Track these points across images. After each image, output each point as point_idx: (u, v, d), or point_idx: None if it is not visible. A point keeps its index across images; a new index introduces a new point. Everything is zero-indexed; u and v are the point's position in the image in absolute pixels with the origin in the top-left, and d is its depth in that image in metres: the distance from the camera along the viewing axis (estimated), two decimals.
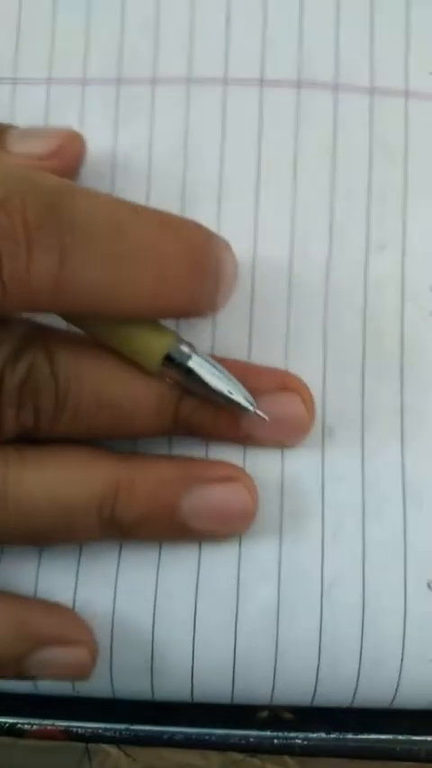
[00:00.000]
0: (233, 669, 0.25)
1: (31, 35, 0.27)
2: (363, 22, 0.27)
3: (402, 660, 0.25)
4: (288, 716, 0.27)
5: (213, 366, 0.23)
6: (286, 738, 0.27)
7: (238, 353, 0.25)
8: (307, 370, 0.25)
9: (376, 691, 0.25)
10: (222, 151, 0.26)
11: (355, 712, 0.27)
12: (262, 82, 0.26)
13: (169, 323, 0.24)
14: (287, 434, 0.25)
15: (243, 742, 0.27)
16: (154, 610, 0.25)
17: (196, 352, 0.23)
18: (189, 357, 0.23)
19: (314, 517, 0.25)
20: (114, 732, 0.27)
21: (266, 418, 0.24)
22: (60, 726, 0.27)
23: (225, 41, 0.27)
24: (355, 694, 0.25)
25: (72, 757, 0.27)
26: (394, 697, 0.25)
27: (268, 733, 0.27)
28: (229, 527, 0.25)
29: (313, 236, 0.26)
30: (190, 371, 0.23)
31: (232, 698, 0.25)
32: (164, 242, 0.22)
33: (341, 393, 0.25)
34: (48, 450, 0.24)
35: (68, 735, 0.27)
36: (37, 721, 0.27)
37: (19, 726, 0.27)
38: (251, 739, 0.27)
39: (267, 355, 0.25)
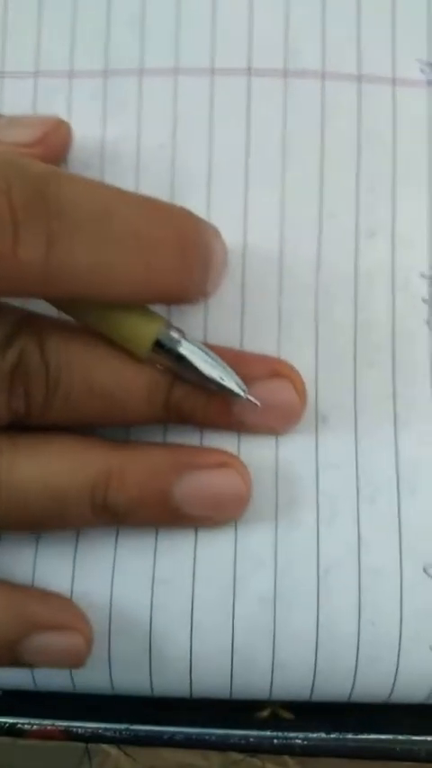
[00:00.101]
0: (231, 657, 0.25)
1: (17, 29, 0.27)
2: (349, 9, 0.27)
3: (400, 646, 0.25)
4: (288, 716, 0.27)
5: (204, 352, 0.23)
6: (286, 738, 0.27)
7: (230, 341, 0.25)
8: (299, 358, 0.25)
9: (374, 677, 0.25)
10: (211, 141, 0.26)
11: (355, 712, 0.26)
12: (249, 71, 0.26)
13: (161, 310, 0.24)
14: (279, 421, 0.25)
15: (243, 742, 0.27)
16: (151, 599, 0.25)
17: (187, 339, 0.23)
18: (179, 343, 0.23)
19: (309, 504, 0.25)
20: (114, 732, 0.27)
21: (258, 404, 0.24)
22: (60, 726, 0.27)
23: (211, 31, 0.27)
24: (353, 682, 0.25)
25: (72, 757, 0.26)
26: (393, 687, 0.25)
27: (268, 733, 0.27)
28: (222, 513, 0.25)
29: (303, 225, 0.26)
30: (180, 357, 0.23)
31: (231, 690, 0.25)
32: (152, 227, 0.22)
33: (334, 380, 0.25)
34: (40, 437, 0.24)
35: (68, 735, 0.27)
36: (37, 721, 0.27)
37: (19, 726, 0.27)
38: (251, 739, 0.27)
39: (259, 343, 0.25)
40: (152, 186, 0.26)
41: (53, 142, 0.26)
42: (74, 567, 0.25)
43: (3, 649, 0.24)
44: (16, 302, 0.24)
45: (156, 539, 0.25)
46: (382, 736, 0.26)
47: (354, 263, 0.26)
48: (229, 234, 0.25)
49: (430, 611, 0.25)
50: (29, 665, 0.24)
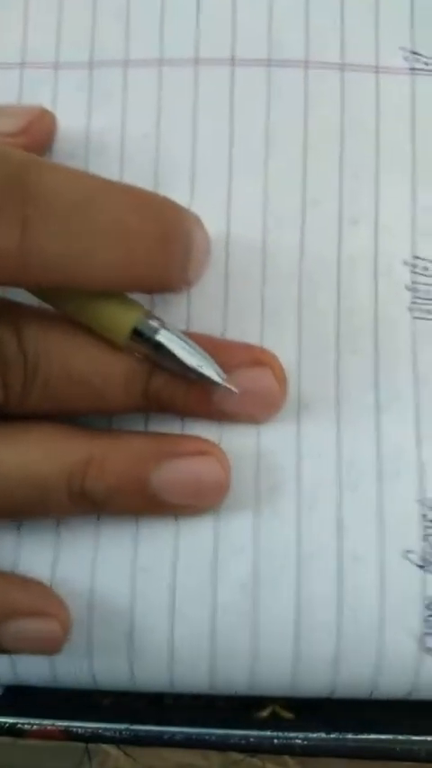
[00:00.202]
0: (211, 644, 0.25)
1: (3, 20, 0.27)
2: None
3: (380, 632, 0.25)
4: (288, 716, 0.27)
5: (183, 340, 0.23)
6: (286, 738, 0.26)
7: (213, 330, 0.25)
8: (282, 346, 0.25)
9: (356, 665, 0.25)
10: (195, 130, 0.26)
11: (355, 712, 0.26)
12: (233, 61, 0.27)
13: (144, 300, 0.25)
14: (259, 409, 0.25)
15: (243, 742, 0.27)
16: (132, 586, 0.25)
17: (165, 327, 0.23)
18: (157, 331, 0.23)
19: (290, 492, 0.25)
20: (114, 732, 0.27)
21: (236, 391, 0.24)
22: (60, 726, 0.27)
23: (195, 22, 0.27)
24: (335, 670, 0.25)
25: (72, 757, 0.27)
26: (375, 676, 0.25)
27: (268, 733, 0.27)
28: (202, 500, 0.25)
29: (286, 213, 0.26)
30: (159, 345, 0.23)
31: (211, 680, 0.25)
32: (131, 216, 0.22)
33: (316, 368, 0.25)
34: (19, 426, 0.24)
35: (68, 735, 0.27)
36: (37, 721, 0.27)
37: (19, 726, 0.27)
38: (251, 739, 0.27)
39: (242, 332, 0.25)
40: (136, 176, 0.26)
41: (37, 131, 0.26)
42: (55, 554, 0.25)
43: None
44: None
45: (137, 526, 0.25)
46: (382, 736, 0.26)
47: (337, 251, 0.26)
48: (213, 222, 0.25)
49: (411, 596, 0.25)
50: (6, 650, 0.24)
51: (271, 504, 0.25)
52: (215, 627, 0.25)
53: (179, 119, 0.26)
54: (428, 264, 0.26)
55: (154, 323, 0.23)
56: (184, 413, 0.25)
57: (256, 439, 0.25)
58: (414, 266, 0.26)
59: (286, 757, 0.26)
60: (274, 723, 0.27)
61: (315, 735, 0.26)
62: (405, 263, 0.26)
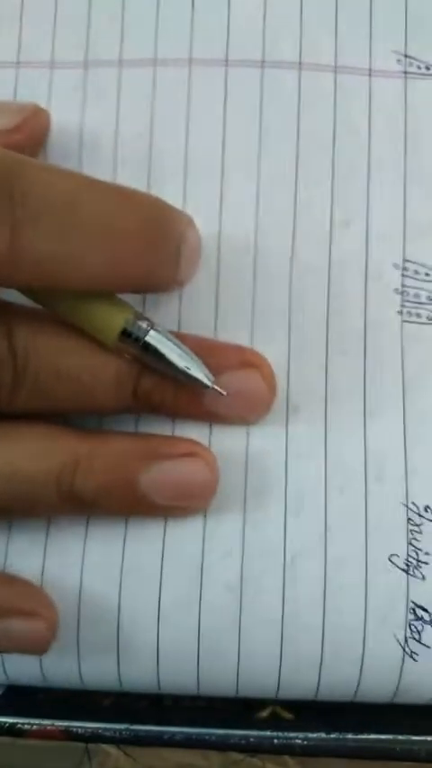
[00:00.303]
0: (198, 645, 0.25)
1: None
2: (327, 1, 0.27)
3: (365, 635, 0.25)
4: (288, 716, 0.27)
5: (172, 342, 0.23)
6: (286, 738, 0.26)
7: (204, 329, 0.26)
8: (272, 347, 0.25)
9: (340, 667, 0.25)
10: (188, 131, 0.26)
11: (355, 712, 0.26)
12: (227, 62, 0.27)
13: (135, 300, 0.25)
14: (248, 410, 0.25)
15: (243, 742, 0.27)
16: (120, 587, 0.25)
17: (155, 328, 0.23)
18: (146, 332, 0.23)
19: (277, 494, 0.25)
20: (114, 732, 0.27)
21: (224, 393, 0.24)
22: (60, 726, 0.27)
23: (190, 23, 0.27)
24: (319, 672, 0.25)
25: (72, 757, 0.27)
26: (359, 679, 0.25)
27: (268, 733, 0.27)
28: (190, 502, 0.25)
29: (278, 214, 0.26)
30: (147, 347, 0.23)
31: (198, 682, 0.25)
32: (119, 215, 0.22)
33: (305, 370, 0.25)
34: (8, 424, 0.24)
35: (68, 735, 0.27)
36: (37, 721, 0.27)
37: (19, 726, 0.27)
38: (251, 739, 0.27)
39: (233, 333, 0.26)
40: (130, 175, 0.26)
41: (31, 129, 0.26)
42: (44, 554, 0.25)
43: None
44: None
45: (125, 528, 0.25)
46: (382, 736, 0.26)
47: (328, 253, 0.26)
48: (205, 223, 0.25)
49: (395, 600, 0.25)
50: None
51: (258, 507, 0.25)
52: (201, 629, 0.25)
53: (173, 119, 0.27)
54: (419, 268, 0.26)
55: (143, 324, 0.23)
56: (174, 414, 0.25)
57: (245, 440, 0.25)
58: (404, 269, 0.26)
59: (286, 757, 0.26)
60: (274, 723, 0.27)
61: (315, 735, 0.26)
62: (395, 266, 0.26)
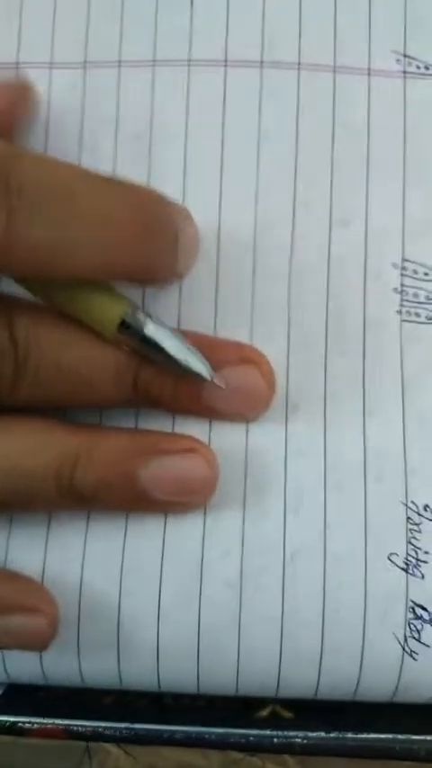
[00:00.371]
0: (198, 643, 0.25)
1: None
2: (326, 0, 0.27)
3: (364, 633, 0.25)
4: (288, 715, 0.27)
5: (170, 334, 0.24)
6: (286, 737, 0.26)
7: (204, 326, 0.26)
8: (271, 346, 0.25)
9: (340, 665, 0.25)
10: (187, 131, 0.27)
11: (355, 712, 0.26)
12: (226, 62, 0.27)
13: (136, 296, 0.25)
14: (247, 407, 0.25)
15: (243, 741, 0.27)
16: (120, 584, 0.25)
17: (153, 321, 0.24)
18: (145, 324, 0.23)
19: (277, 491, 0.25)
20: (115, 731, 0.27)
21: (223, 386, 0.24)
22: (61, 725, 0.27)
23: (189, 24, 0.27)
24: (319, 670, 0.25)
25: (73, 756, 0.27)
26: (359, 677, 0.25)
27: (268, 732, 0.27)
28: (189, 498, 0.25)
29: (277, 214, 0.26)
30: (146, 338, 0.23)
31: (198, 680, 0.25)
32: (116, 205, 0.23)
33: (305, 368, 0.26)
34: (9, 418, 0.24)
35: (69, 734, 0.27)
36: (38, 720, 0.27)
37: (20, 725, 0.27)
38: (251, 738, 0.27)
39: (232, 331, 0.26)
40: (129, 176, 0.26)
41: (18, 109, 0.26)
42: (45, 551, 0.25)
43: None
44: None
45: (125, 525, 0.25)
46: (382, 736, 0.26)
47: (327, 253, 0.26)
48: (204, 222, 0.25)
49: (394, 599, 0.25)
50: None
51: (258, 504, 0.25)
52: (201, 626, 0.25)
53: (172, 119, 0.27)
54: (417, 267, 0.26)
55: (141, 316, 0.24)
56: (174, 408, 0.25)
57: (245, 438, 0.25)
58: (403, 269, 0.26)
59: (286, 756, 0.26)
60: (274, 722, 0.27)
61: (315, 734, 0.26)
62: (394, 265, 0.26)
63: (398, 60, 0.27)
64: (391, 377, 0.26)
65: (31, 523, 0.26)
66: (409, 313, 0.26)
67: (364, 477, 0.25)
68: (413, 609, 0.25)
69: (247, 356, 0.25)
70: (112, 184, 0.23)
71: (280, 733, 0.27)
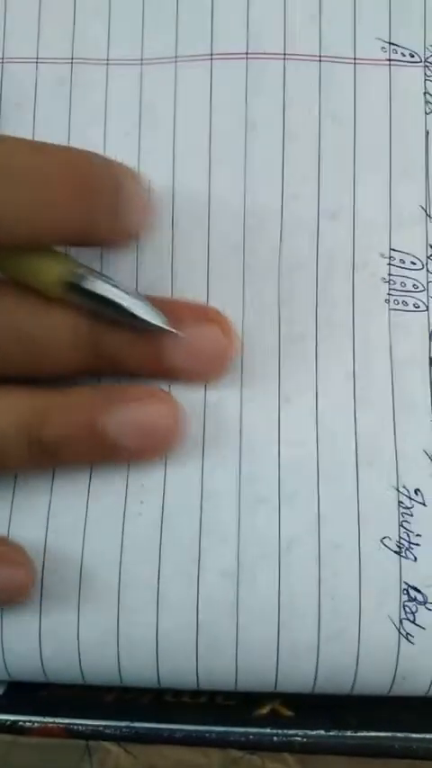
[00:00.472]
0: (196, 634, 0.25)
1: None
2: None
3: (360, 619, 0.25)
4: (287, 713, 0.27)
5: (116, 287, 0.24)
6: (286, 736, 0.26)
7: None
8: (263, 338, 0.26)
9: (337, 653, 0.25)
10: (175, 126, 0.27)
11: (355, 710, 0.26)
12: (212, 56, 0.27)
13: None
14: (209, 365, 0.25)
15: (243, 739, 0.26)
16: (118, 578, 0.25)
17: (98, 276, 0.24)
18: (89, 280, 0.24)
19: (271, 481, 0.25)
20: (115, 729, 0.27)
21: (177, 333, 0.24)
22: (61, 723, 0.27)
23: (175, 19, 0.27)
24: (317, 660, 0.25)
25: (73, 755, 0.27)
26: (357, 665, 0.25)
27: (268, 730, 0.26)
28: (154, 443, 0.25)
29: (267, 207, 0.26)
30: (91, 294, 0.24)
31: (198, 674, 0.25)
32: (45, 165, 0.23)
33: (296, 361, 0.26)
34: None
35: (69, 732, 0.27)
36: (38, 719, 0.27)
37: (20, 723, 0.27)
38: (251, 736, 0.26)
39: None
40: None
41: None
42: (45, 544, 0.26)
43: None
44: None
45: (123, 516, 0.26)
46: (381, 734, 0.26)
47: (315, 244, 0.26)
48: (193, 217, 0.26)
49: (388, 582, 0.25)
50: None
51: (253, 494, 0.25)
52: (199, 616, 0.25)
53: (160, 114, 0.27)
54: (404, 257, 0.26)
55: (86, 273, 0.24)
56: (135, 370, 0.25)
57: (238, 427, 0.26)
58: (391, 258, 0.26)
59: (286, 755, 0.26)
60: (274, 721, 0.27)
61: (314, 732, 0.26)
62: (382, 255, 0.26)
63: (383, 48, 0.26)
64: (381, 364, 0.26)
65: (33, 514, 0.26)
66: (396, 302, 0.26)
67: (356, 463, 0.25)
68: (407, 591, 0.25)
69: (206, 314, 0.25)
70: (47, 148, 0.23)
71: (280, 731, 0.26)
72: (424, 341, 0.26)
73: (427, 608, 0.25)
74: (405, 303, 0.26)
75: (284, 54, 0.27)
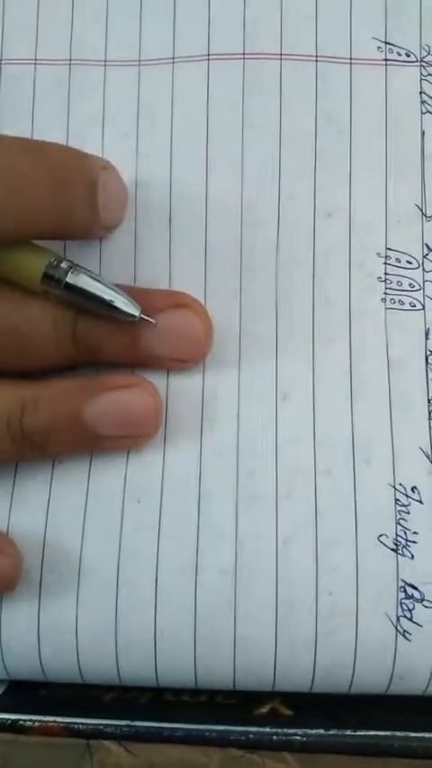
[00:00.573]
0: (194, 632, 0.25)
1: None
2: None
3: (357, 615, 0.25)
4: (287, 712, 0.27)
5: (94, 279, 0.24)
6: (285, 735, 0.26)
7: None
8: (261, 337, 0.26)
9: (335, 650, 0.25)
10: (173, 126, 0.27)
11: (354, 709, 0.26)
12: (209, 57, 0.27)
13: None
14: (185, 350, 0.25)
15: (243, 738, 0.26)
16: (117, 576, 0.26)
17: (77, 269, 0.24)
18: (66, 272, 0.24)
19: (268, 477, 0.25)
20: (115, 728, 0.27)
21: (153, 322, 0.24)
22: (62, 722, 0.27)
23: (173, 20, 0.27)
24: (314, 657, 0.25)
25: (73, 754, 0.27)
26: (354, 662, 0.25)
27: (267, 729, 0.26)
28: (135, 430, 0.25)
29: (262, 206, 0.26)
30: (70, 286, 0.24)
31: (196, 673, 0.25)
32: (21, 161, 0.23)
33: (293, 358, 0.26)
34: None
35: (70, 731, 0.27)
36: (38, 718, 0.27)
37: (21, 722, 0.27)
38: (251, 735, 0.26)
39: (221, 321, 0.26)
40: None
41: None
42: (44, 542, 0.26)
43: None
44: None
45: (121, 515, 0.26)
46: (381, 733, 0.26)
47: (312, 244, 0.26)
48: (192, 219, 0.26)
49: (385, 579, 0.25)
50: None
51: (250, 491, 0.26)
52: (197, 614, 0.25)
53: (158, 114, 0.27)
54: (400, 256, 0.26)
55: (65, 265, 0.24)
56: (113, 359, 0.26)
57: (236, 425, 0.26)
58: (387, 257, 0.26)
59: (285, 753, 0.26)
60: (274, 720, 0.27)
61: (314, 731, 0.26)
62: (378, 254, 0.26)
63: (379, 48, 0.27)
64: (377, 363, 0.26)
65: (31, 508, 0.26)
66: (393, 301, 0.26)
67: (353, 461, 0.25)
68: (404, 589, 0.25)
69: (180, 300, 0.25)
70: (21, 143, 0.24)
71: (279, 730, 0.27)
72: (420, 339, 0.26)
73: (424, 605, 0.25)
74: (401, 302, 0.26)
75: (281, 54, 0.27)
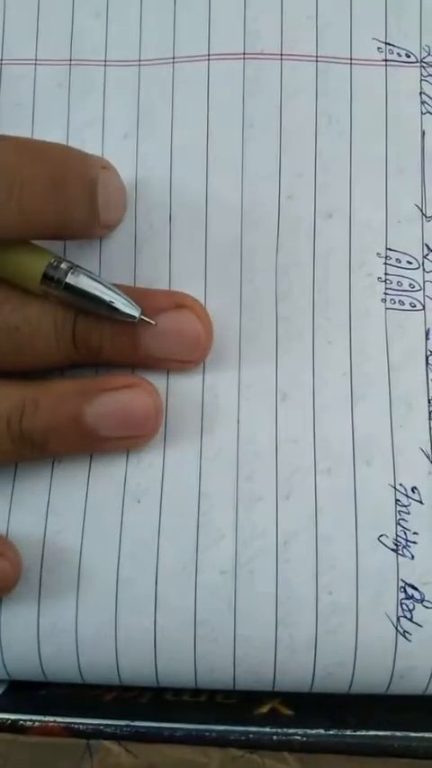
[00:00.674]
0: (194, 631, 0.25)
1: None
2: None
3: (357, 614, 0.25)
4: (287, 712, 0.27)
5: (93, 279, 0.24)
6: (285, 735, 0.26)
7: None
8: (261, 338, 0.26)
9: (335, 650, 0.25)
10: (173, 126, 0.27)
11: (354, 709, 0.26)
12: (209, 57, 0.27)
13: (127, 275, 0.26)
14: (185, 351, 0.25)
15: (243, 738, 0.26)
16: (117, 575, 0.26)
17: (76, 269, 0.24)
18: (67, 273, 0.24)
19: (268, 478, 0.26)
20: (115, 729, 0.27)
21: (153, 323, 0.24)
22: (62, 722, 0.27)
23: (173, 20, 0.27)
24: (315, 657, 0.25)
25: (73, 754, 0.27)
26: (354, 662, 0.25)
27: (268, 729, 0.26)
28: (135, 431, 0.25)
29: (262, 206, 0.26)
30: (70, 287, 0.24)
31: (196, 672, 0.25)
32: (21, 160, 0.23)
33: (294, 359, 0.26)
34: None
35: (69, 731, 0.27)
36: (38, 718, 0.27)
37: (21, 722, 0.27)
38: (251, 735, 0.26)
39: (223, 323, 0.26)
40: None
41: None
42: (44, 540, 0.26)
43: None
44: None
45: (121, 516, 0.26)
46: (381, 733, 0.26)
47: (312, 244, 0.26)
48: (192, 219, 0.26)
49: (385, 580, 0.25)
50: None
51: (250, 491, 0.26)
52: (197, 614, 0.25)
53: (158, 116, 0.27)
54: (401, 256, 0.26)
55: (65, 266, 0.24)
56: (113, 359, 0.26)
57: (236, 427, 0.26)
58: (387, 258, 0.26)
59: (285, 753, 0.26)
60: (274, 719, 0.27)
61: (314, 731, 0.26)
62: (378, 255, 0.26)
63: (379, 49, 0.27)
64: (377, 363, 0.26)
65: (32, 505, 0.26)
66: (393, 301, 0.26)
67: (354, 461, 0.26)
68: (404, 589, 0.25)
69: (181, 301, 0.25)
70: (21, 143, 0.24)
71: (279, 730, 0.27)
72: (420, 340, 0.26)
73: (424, 606, 0.25)
74: (402, 302, 0.26)
75: (281, 54, 0.27)
